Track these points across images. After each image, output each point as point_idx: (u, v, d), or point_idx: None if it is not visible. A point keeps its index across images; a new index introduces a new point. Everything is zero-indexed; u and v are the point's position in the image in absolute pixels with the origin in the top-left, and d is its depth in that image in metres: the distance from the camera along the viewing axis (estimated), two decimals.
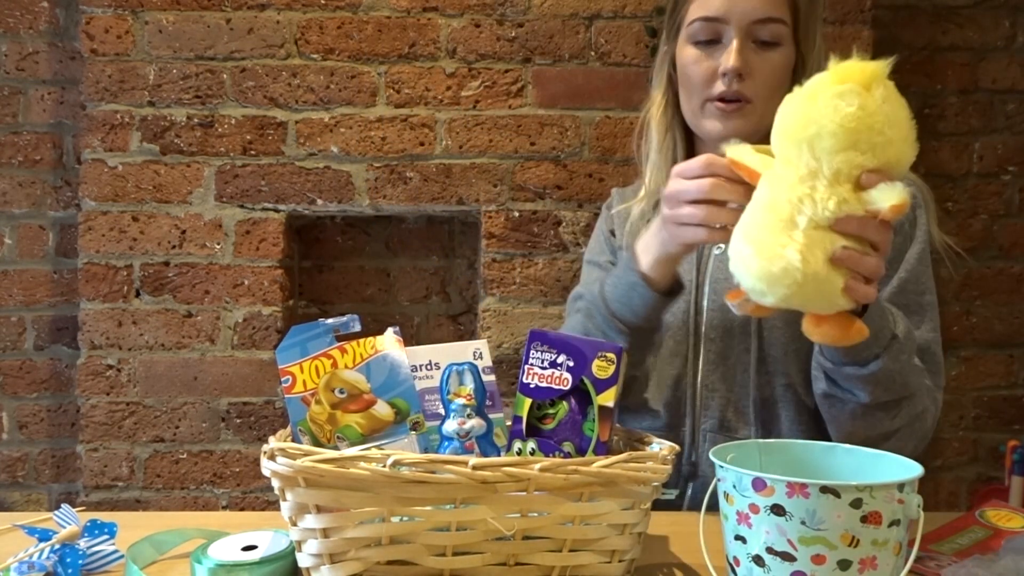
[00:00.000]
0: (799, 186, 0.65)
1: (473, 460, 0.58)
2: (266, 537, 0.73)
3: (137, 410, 1.73)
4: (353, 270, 1.90)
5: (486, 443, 0.72)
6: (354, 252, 1.90)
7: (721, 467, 0.62)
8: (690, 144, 1.10)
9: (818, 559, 0.57)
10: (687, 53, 1.02)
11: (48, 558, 0.69)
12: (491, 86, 1.74)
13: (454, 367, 0.73)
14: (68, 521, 0.73)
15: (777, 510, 0.57)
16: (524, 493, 0.60)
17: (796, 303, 0.67)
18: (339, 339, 0.76)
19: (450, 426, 0.71)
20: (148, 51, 1.71)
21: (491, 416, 0.74)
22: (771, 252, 0.65)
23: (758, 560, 0.59)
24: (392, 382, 0.75)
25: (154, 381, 1.73)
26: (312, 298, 1.89)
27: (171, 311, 1.73)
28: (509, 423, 0.74)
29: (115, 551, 0.73)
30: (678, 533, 0.83)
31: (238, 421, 1.74)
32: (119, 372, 1.72)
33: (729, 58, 0.96)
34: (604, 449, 0.71)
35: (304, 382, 0.73)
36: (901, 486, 0.57)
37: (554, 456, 0.71)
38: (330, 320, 0.76)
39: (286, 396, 0.73)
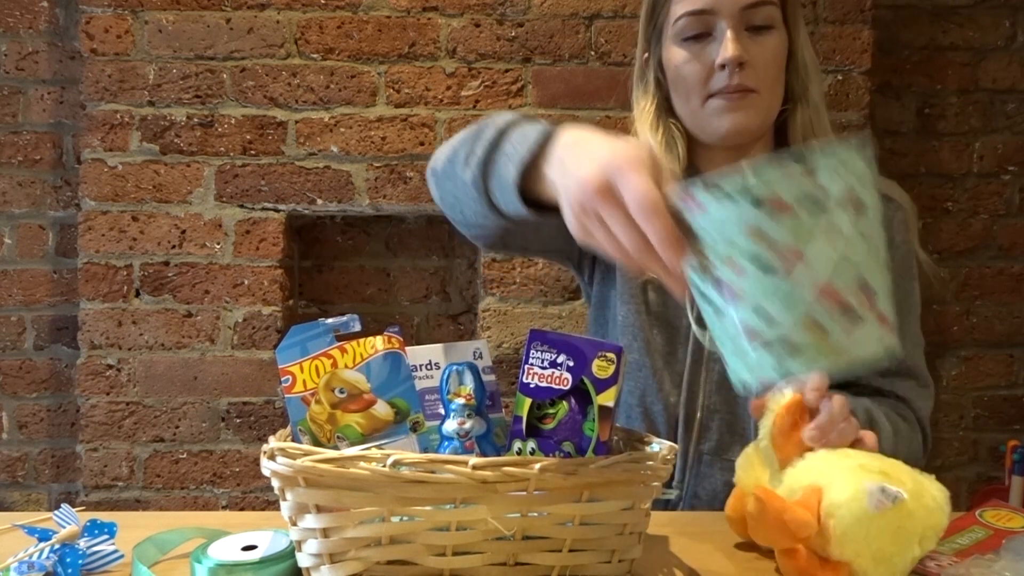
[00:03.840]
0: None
1: (473, 460, 0.58)
2: (266, 537, 0.72)
3: (137, 410, 1.72)
4: (353, 270, 1.90)
5: (486, 443, 0.72)
6: (354, 252, 1.90)
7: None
8: (688, 147, 1.04)
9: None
10: (676, 54, 0.98)
11: (48, 558, 0.68)
12: (491, 86, 1.74)
13: (454, 367, 0.73)
14: (68, 521, 0.73)
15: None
16: (524, 493, 0.60)
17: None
18: (339, 339, 0.76)
19: (450, 426, 0.71)
20: (148, 51, 1.71)
21: (491, 416, 0.74)
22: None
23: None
24: (392, 382, 0.75)
25: (154, 381, 1.72)
26: (312, 298, 1.89)
27: (171, 311, 1.73)
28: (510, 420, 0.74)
29: (115, 551, 0.73)
30: (678, 533, 0.83)
31: (238, 421, 1.74)
32: (119, 372, 1.72)
33: (727, 48, 0.92)
34: (604, 449, 0.71)
35: (304, 382, 0.73)
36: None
37: (554, 456, 0.71)
38: (330, 320, 0.76)
39: (286, 396, 0.73)
